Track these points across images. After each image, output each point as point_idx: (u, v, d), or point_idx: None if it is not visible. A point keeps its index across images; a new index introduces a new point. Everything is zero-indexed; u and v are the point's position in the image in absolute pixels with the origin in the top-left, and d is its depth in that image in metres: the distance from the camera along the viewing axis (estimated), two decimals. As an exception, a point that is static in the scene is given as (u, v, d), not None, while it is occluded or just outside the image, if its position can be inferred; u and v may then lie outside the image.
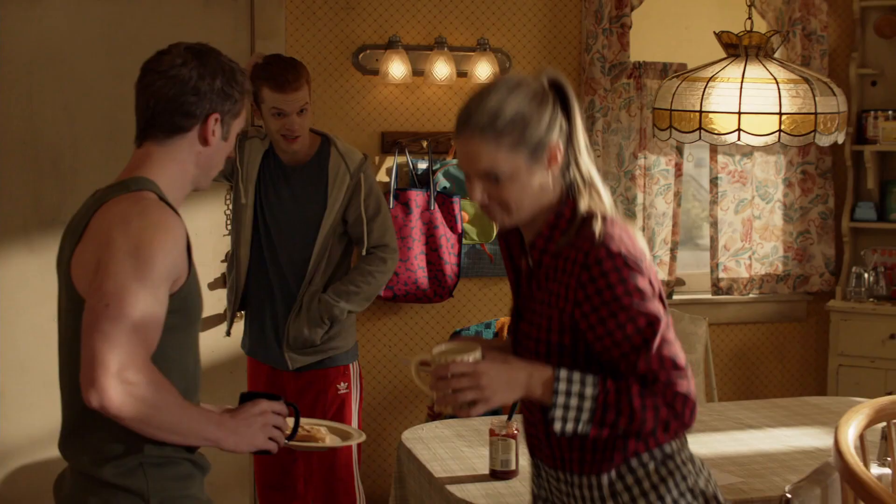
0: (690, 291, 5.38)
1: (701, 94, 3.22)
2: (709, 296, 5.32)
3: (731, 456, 3.24)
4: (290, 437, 2.39)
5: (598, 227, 2.06)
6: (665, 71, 5.07)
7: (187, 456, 2.20)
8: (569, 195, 2.13)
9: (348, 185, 3.70)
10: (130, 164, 2.24)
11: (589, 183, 2.14)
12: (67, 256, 2.18)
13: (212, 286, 4.67)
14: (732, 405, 3.90)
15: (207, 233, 4.65)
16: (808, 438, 3.45)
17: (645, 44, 5.17)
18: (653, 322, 2.03)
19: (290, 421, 2.37)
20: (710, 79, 3.26)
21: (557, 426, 2.02)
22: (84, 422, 2.15)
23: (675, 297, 5.21)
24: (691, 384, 2.04)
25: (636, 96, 5.04)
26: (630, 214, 5.09)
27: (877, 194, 5.29)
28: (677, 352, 2.06)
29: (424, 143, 4.80)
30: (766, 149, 5.23)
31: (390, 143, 4.78)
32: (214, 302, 4.65)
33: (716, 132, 3.20)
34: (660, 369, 2.02)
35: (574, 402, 2.02)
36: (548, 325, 2.12)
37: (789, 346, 5.47)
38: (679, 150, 5.13)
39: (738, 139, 3.19)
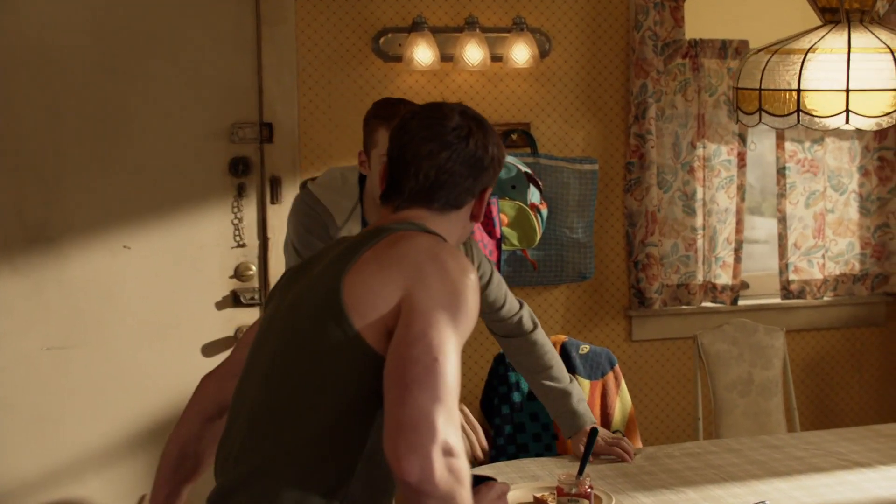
0: (755, 296, 4.80)
1: (798, 69, 2.64)
2: (777, 300, 4.74)
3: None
4: None
5: None
6: (724, 49, 4.49)
7: None
8: None
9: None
10: (398, 218, 2.07)
11: None
12: (329, 277, 1.95)
13: (220, 305, 4.14)
14: (827, 435, 3.33)
15: (214, 245, 4.12)
16: (931, 479, 2.88)
17: (699, 20, 4.58)
18: None
19: None
20: (809, 50, 2.68)
21: None
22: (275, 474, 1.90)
23: (740, 302, 4.63)
24: None
25: (692, 78, 4.47)
26: (689, 212, 4.52)
27: (965, 181, 4.69)
28: None
29: (456, 138, 4.23)
30: (838, 133, 4.65)
31: (417, 138, 4.21)
32: (224, 323, 4.12)
33: (817, 114, 2.63)
34: None
35: None
36: None
37: (868, 354, 4.88)
38: (742, 138, 4.55)
39: (847, 121, 2.61)
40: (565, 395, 3.02)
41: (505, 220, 4.26)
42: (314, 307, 1.94)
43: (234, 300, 4.12)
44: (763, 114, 2.75)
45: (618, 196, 4.52)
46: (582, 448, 2.81)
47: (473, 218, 2.10)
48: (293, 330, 1.96)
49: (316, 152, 4.17)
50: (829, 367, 4.84)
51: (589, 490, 2.41)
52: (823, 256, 4.71)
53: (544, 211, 4.28)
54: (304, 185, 3.30)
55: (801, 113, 2.66)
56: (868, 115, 2.62)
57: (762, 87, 2.73)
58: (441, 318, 1.82)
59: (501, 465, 3.03)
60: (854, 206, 4.74)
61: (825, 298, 4.75)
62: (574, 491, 2.40)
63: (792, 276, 4.68)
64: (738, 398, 3.98)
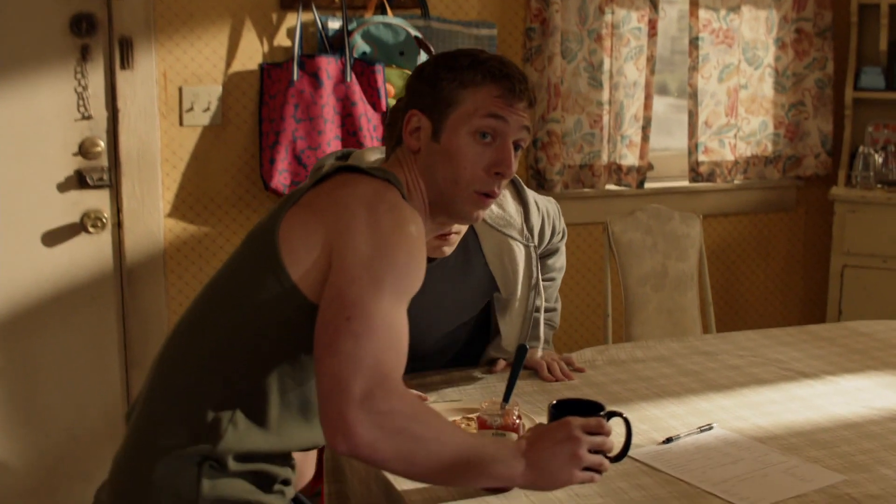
0: (660, 177, 4.41)
1: None
2: (685, 183, 4.36)
3: (804, 429, 2.30)
4: (620, 457, 1.86)
5: None
6: None
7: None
8: None
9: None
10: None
11: None
12: (270, 219, 1.81)
13: (62, 187, 3.59)
14: (761, 338, 2.96)
15: (53, 117, 3.55)
16: (888, 392, 2.53)
17: None
18: None
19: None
20: None
21: None
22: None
23: (646, 185, 4.23)
24: None
25: (602, -66, 3.98)
26: (595, 84, 4.07)
27: (886, 57, 4.34)
28: None
29: (337, -4, 3.69)
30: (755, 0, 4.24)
31: (292, -5, 3.67)
32: (67, 207, 3.57)
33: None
34: None
35: None
36: None
37: (775, 241, 4.56)
38: (653, 4, 4.10)
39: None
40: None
41: (392, 90, 3.76)
42: (251, 253, 1.81)
43: (80, 181, 3.58)
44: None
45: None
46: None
47: (407, 142, 1.94)
48: (229, 275, 1.84)
49: (174, 9, 3.58)
50: (736, 256, 4.51)
51: (517, 422, 1.98)
52: (735, 136, 4.33)
53: (436, 81, 3.78)
54: None
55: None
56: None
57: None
58: (363, 276, 1.67)
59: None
60: (769, 81, 4.36)
61: (735, 182, 4.39)
62: (498, 423, 1.96)
63: (702, 158, 4.29)
64: (651, 292, 3.60)
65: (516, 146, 1.97)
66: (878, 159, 4.28)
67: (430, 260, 2.31)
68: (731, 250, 4.48)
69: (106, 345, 3.66)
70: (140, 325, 3.66)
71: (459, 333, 2.55)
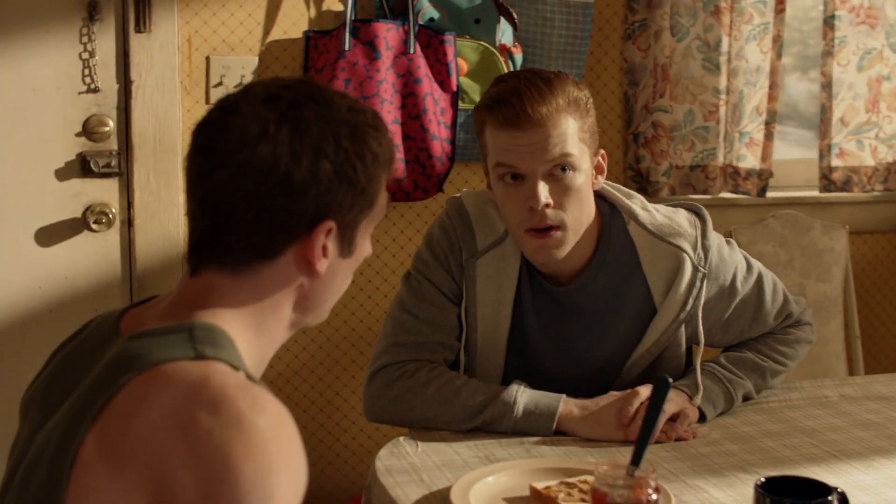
0: (783, 186, 3.68)
1: None
2: (815, 193, 3.62)
3: None
4: None
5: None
6: None
7: None
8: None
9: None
10: (182, 296, 1.33)
11: None
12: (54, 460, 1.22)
13: (62, 174, 3.04)
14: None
15: (53, 89, 3.01)
16: None
17: None
18: None
19: None
20: None
21: None
22: None
23: (768, 194, 3.50)
24: None
25: None
26: (710, 68, 3.36)
27: None
28: None
29: (400, -52, 3.04)
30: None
31: (346, -54, 3.02)
32: (67, 199, 3.03)
33: None
34: None
35: None
36: None
37: (919, 267, 3.80)
38: (782, -26, 3.40)
39: None
40: None
41: (464, 67, 3.10)
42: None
43: (83, 167, 3.01)
44: None
45: (615, 44, 3.36)
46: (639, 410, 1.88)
47: (306, 268, 1.32)
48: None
49: (201, -42, 2.98)
50: (880, 279, 3.74)
51: (653, 497, 1.26)
52: (876, 137, 3.59)
53: (518, 56, 3.14)
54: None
55: None
56: None
57: None
58: None
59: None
60: (917, 72, 3.62)
61: (874, 192, 3.64)
62: (625, 499, 1.24)
63: (835, 162, 3.55)
64: (784, 320, 2.87)
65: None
66: None
67: (557, 282, 2.06)
68: (874, 272, 3.71)
69: (110, 367, 3.01)
70: (151, 344, 3.02)
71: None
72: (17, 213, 2.98)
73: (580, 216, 1.96)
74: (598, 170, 2.03)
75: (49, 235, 3.01)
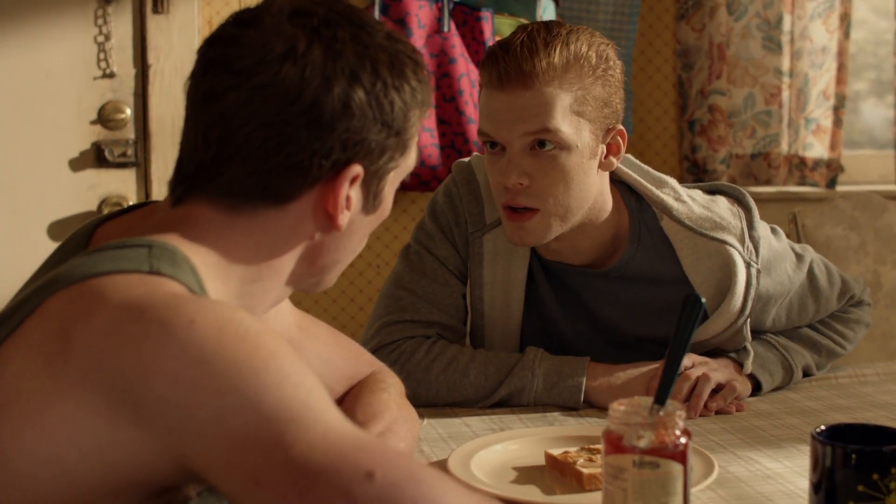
0: (852, 181, 3.41)
1: None
2: (892, 187, 3.36)
3: None
4: None
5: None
6: None
7: None
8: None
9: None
10: (154, 222, 1.17)
11: None
12: None
13: (76, 164, 3.00)
14: None
15: (66, 74, 2.93)
16: None
17: None
18: None
19: None
20: None
21: None
22: None
23: (837, 188, 3.25)
24: None
25: None
26: (772, 48, 3.13)
27: None
28: None
29: (433, -81, 2.90)
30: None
31: (374, -83, 2.89)
32: (82, 191, 2.98)
33: None
34: None
35: None
36: None
37: None
38: (849, -52, 3.17)
39: None
40: None
41: (503, 46, 2.89)
42: None
43: (98, 157, 2.94)
44: None
45: (667, 24, 3.16)
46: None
47: (328, 218, 1.15)
48: None
49: (223, -67, 2.89)
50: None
51: (681, 441, 1.02)
52: (959, 124, 3.33)
53: (562, 35, 2.91)
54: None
55: None
56: None
57: None
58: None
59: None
60: None
61: (958, 188, 3.37)
62: (646, 442, 1.01)
63: (915, 153, 3.30)
64: (857, 310, 2.61)
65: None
66: None
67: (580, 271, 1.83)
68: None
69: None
70: (169, 345, 2.87)
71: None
72: (30, 205, 2.90)
73: (567, 201, 1.66)
74: (610, 150, 1.71)
75: (63, 229, 2.93)
